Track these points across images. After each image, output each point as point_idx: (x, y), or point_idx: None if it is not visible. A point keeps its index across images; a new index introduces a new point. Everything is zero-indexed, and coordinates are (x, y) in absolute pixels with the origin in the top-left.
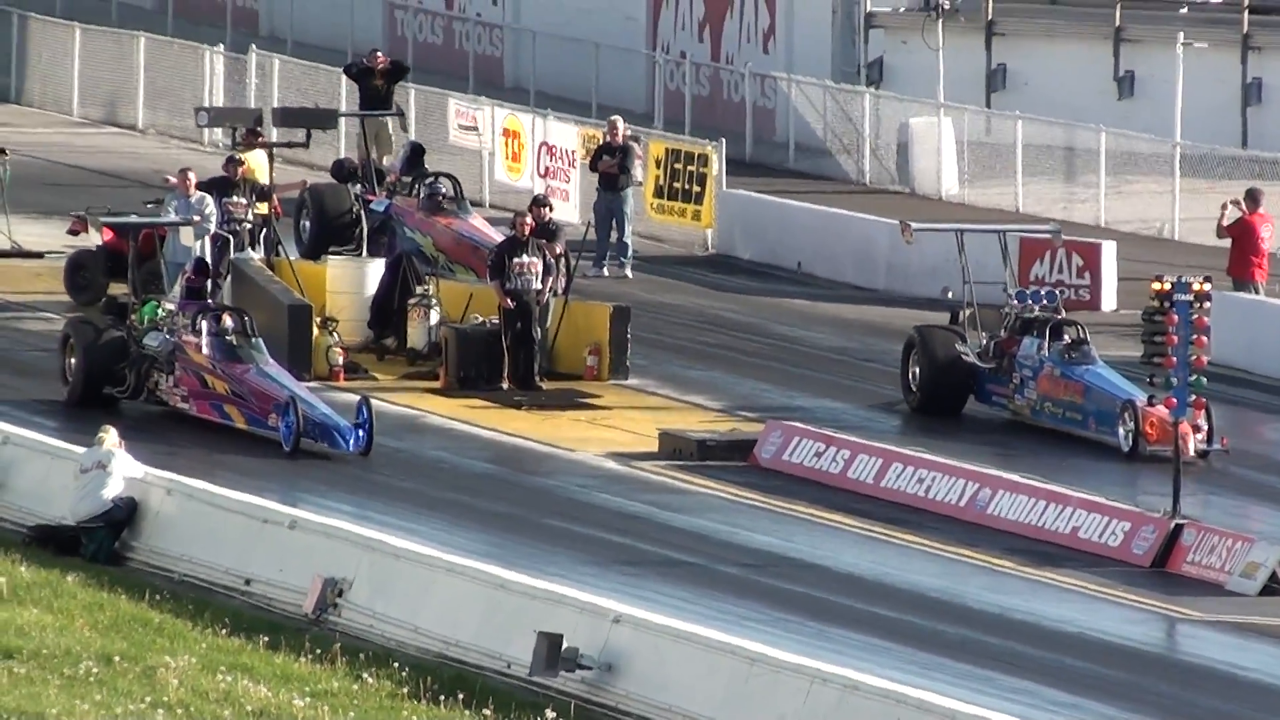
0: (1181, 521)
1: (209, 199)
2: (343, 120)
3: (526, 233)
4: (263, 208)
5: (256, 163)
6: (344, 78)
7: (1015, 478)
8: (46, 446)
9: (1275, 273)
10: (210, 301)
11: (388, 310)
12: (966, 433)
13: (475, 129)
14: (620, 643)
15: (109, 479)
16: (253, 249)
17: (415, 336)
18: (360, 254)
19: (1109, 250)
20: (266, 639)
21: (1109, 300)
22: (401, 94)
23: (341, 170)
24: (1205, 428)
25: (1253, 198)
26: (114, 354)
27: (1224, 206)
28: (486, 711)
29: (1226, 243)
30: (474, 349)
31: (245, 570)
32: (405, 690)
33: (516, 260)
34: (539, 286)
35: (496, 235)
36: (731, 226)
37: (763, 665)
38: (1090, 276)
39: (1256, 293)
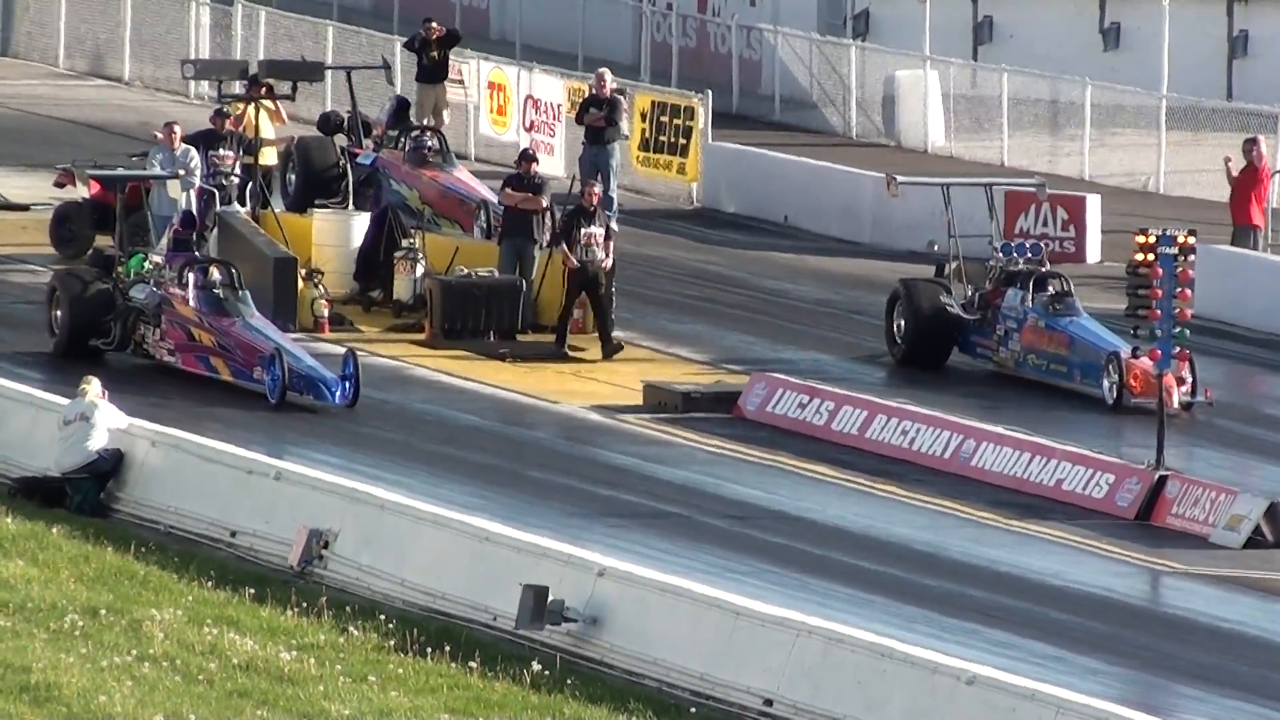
0: (1165, 474)
1: (194, 152)
2: (329, 73)
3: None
4: (266, 155)
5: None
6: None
7: (1000, 430)
8: (32, 398)
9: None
10: (197, 254)
11: (373, 263)
12: (951, 385)
13: (461, 82)
14: (605, 596)
15: (93, 430)
16: (239, 202)
17: (401, 289)
18: (346, 207)
19: (1094, 203)
20: (253, 591)
21: (1094, 253)
22: (387, 47)
23: (328, 123)
24: (1189, 380)
25: (1250, 146)
26: (100, 306)
27: (1227, 160)
28: (473, 664)
29: (1224, 195)
30: (458, 301)
31: (231, 522)
32: (392, 643)
33: (585, 231)
34: (603, 256)
35: (481, 188)
36: (717, 179)
37: (748, 618)
38: (1075, 229)
39: (1256, 242)
